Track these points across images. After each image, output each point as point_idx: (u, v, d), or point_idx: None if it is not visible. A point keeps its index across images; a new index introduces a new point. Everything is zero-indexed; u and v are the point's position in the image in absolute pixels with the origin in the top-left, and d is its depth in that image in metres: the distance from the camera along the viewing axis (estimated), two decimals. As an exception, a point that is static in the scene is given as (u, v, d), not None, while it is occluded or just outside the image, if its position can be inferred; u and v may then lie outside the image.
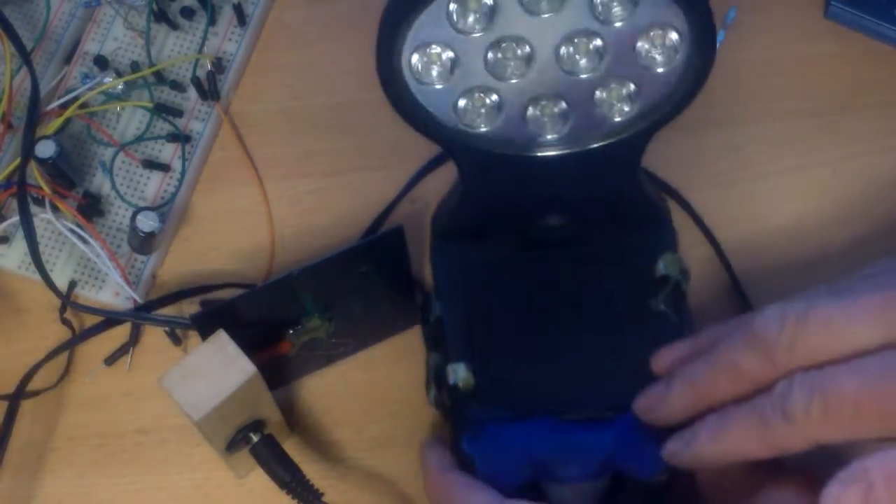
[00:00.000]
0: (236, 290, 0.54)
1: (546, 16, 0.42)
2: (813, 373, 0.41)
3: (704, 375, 0.44)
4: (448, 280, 0.51)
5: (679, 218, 0.53)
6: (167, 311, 0.54)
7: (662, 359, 0.48)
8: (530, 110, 0.46)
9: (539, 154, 0.47)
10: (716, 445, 0.44)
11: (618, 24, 0.43)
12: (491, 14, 0.42)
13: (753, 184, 0.57)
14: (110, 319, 0.53)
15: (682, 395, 0.45)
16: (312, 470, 0.51)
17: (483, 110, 0.46)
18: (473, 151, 0.47)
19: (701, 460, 0.45)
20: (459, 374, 0.49)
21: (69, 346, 0.54)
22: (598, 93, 0.45)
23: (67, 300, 0.54)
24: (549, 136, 0.47)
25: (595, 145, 0.47)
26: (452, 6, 0.42)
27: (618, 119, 0.46)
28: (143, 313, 0.53)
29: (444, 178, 0.56)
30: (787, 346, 0.41)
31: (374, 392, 0.54)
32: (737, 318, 0.46)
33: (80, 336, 0.54)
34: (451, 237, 0.52)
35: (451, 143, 0.47)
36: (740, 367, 0.43)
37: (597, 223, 0.51)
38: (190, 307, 0.54)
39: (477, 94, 0.45)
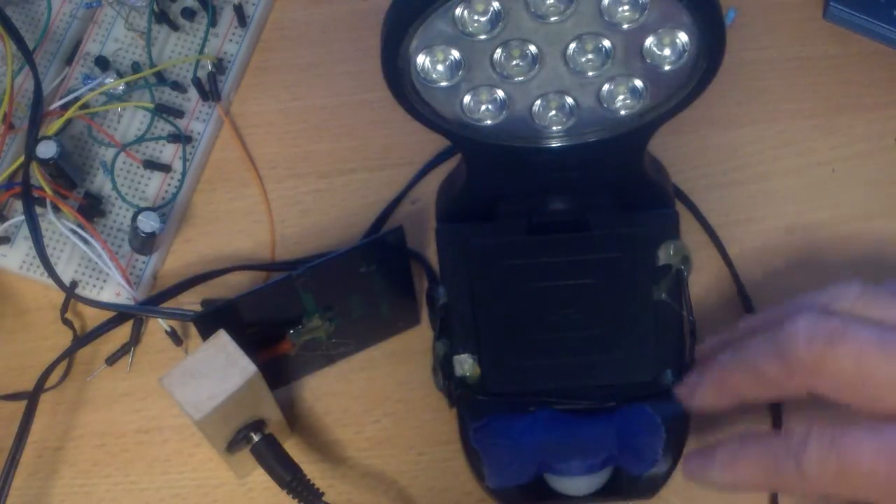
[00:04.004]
0: (244, 273, 0.55)
1: (553, 19, 0.42)
2: (832, 431, 0.40)
3: (730, 371, 0.44)
4: (452, 265, 0.52)
5: (682, 219, 0.53)
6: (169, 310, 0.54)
7: (706, 345, 0.48)
8: (536, 105, 0.46)
9: (544, 145, 0.48)
10: (727, 474, 0.44)
11: (626, 27, 0.43)
12: (497, 18, 0.42)
13: (753, 184, 0.57)
14: (122, 314, 0.53)
15: (711, 389, 0.46)
16: (313, 470, 0.51)
17: (489, 106, 0.46)
18: (479, 144, 0.47)
19: (712, 483, 0.45)
20: (466, 366, 0.50)
21: (81, 344, 0.54)
22: (604, 89, 0.45)
23: (73, 293, 0.54)
24: (554, 129, 0.47)
25: (600, 137, 0.47)
26: (459, 10, 0.42)
27: (623, 113, 0.46)
28: (151, 306, 0.53)
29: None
30: (812, 365, 0.41)
31: (375, 392, 0.54)
32: (772, 311, 0.45)
33: (91, 334, 0.54)
34: (455, 221, 0.52)
35: (456, 136, 0.47)
36: (762, 370, 0.42)
37: (601, 208, 0.51)
38: (193, 305, 0.54)
39: (483, 92, 0.46)
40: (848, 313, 0.42)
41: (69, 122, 0.57)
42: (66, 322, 0.55)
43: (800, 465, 0.41)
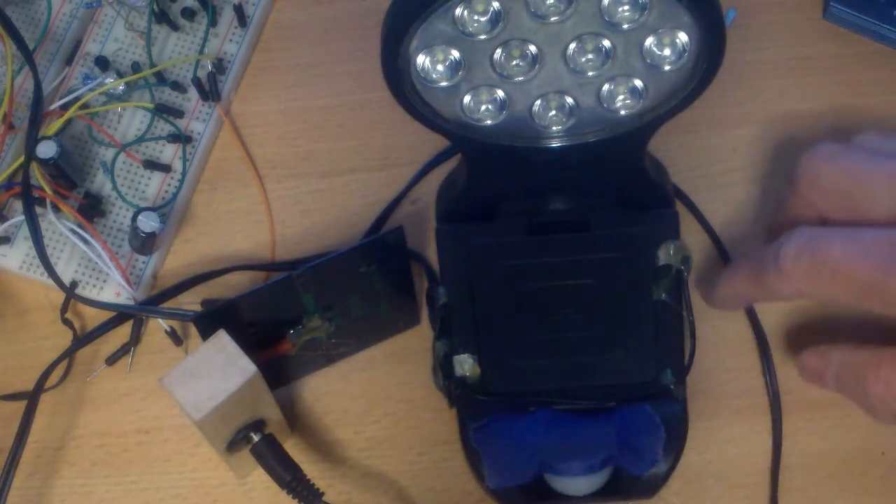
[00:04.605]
0: (244, 273, 0.55)
1: (553, 19, 0.42)
2: (812, 229, 0.43)
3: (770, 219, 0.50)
4: (452, 265, 0.52)
5: (682, 219, 0.53)
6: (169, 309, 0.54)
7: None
8: (536, 105, 0.46)
9: (544, 145, 0.48)
10: (727, 288, 0.49)
11: (626, 27, 0.43)
12: (497, 18, 0.42)
13: (753, 184, 0.57)
14: (122, 314, 0.53)
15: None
16: (313, 470, 0.51)
17: (489, 106, 0.46)
18: (479, 143, 0.47)
19: (718, 301, 0.50)
20: (466, 366, 0.50)
21: (81, 344, 0.54)
22: (604, 89, 0.46)
23: (73, 293, 0.54)
24: (554, 129, 0.47)
25: (600, 137, 0.47)
26: (459, 10, 0.42)
27: (623, 113, 0.46)
28: (151, 306, 0.53)
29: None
30: (812, 177, 0.45)
31: (375, 392, 0.54)
32: None
33: (91, 334, 0.54)
34: (455, 221, 0.52)
35: (456, 136, 0.47)
36: (778, 196, 0.47)
37: (601, 208, 0.51)
38: (193, 305, 0.54)
39: (483, 92, 0.46)
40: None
41: (69, 122, 0.57)
42: (66, 322, 0.55)
43: (777, 260, 0.44)
